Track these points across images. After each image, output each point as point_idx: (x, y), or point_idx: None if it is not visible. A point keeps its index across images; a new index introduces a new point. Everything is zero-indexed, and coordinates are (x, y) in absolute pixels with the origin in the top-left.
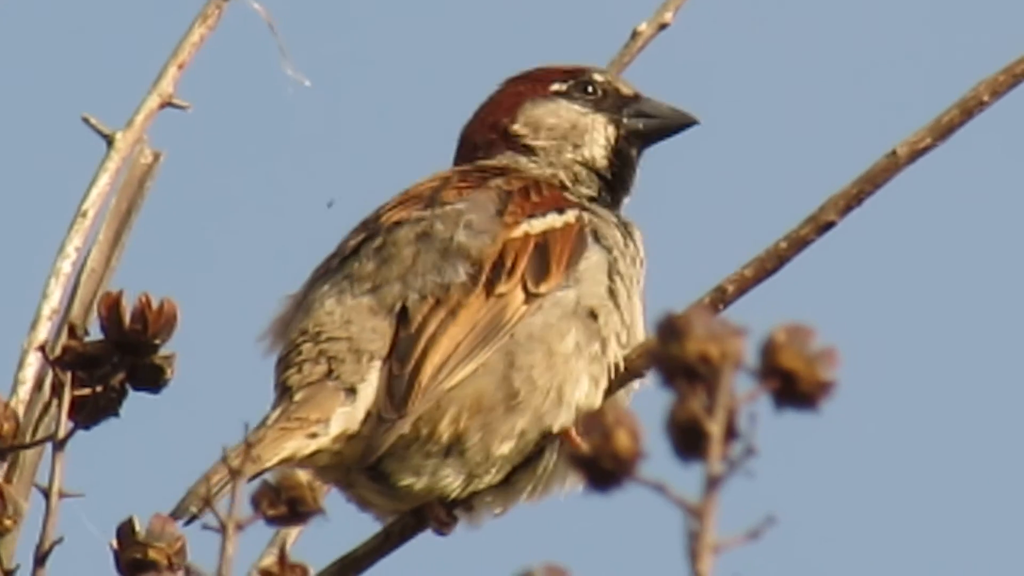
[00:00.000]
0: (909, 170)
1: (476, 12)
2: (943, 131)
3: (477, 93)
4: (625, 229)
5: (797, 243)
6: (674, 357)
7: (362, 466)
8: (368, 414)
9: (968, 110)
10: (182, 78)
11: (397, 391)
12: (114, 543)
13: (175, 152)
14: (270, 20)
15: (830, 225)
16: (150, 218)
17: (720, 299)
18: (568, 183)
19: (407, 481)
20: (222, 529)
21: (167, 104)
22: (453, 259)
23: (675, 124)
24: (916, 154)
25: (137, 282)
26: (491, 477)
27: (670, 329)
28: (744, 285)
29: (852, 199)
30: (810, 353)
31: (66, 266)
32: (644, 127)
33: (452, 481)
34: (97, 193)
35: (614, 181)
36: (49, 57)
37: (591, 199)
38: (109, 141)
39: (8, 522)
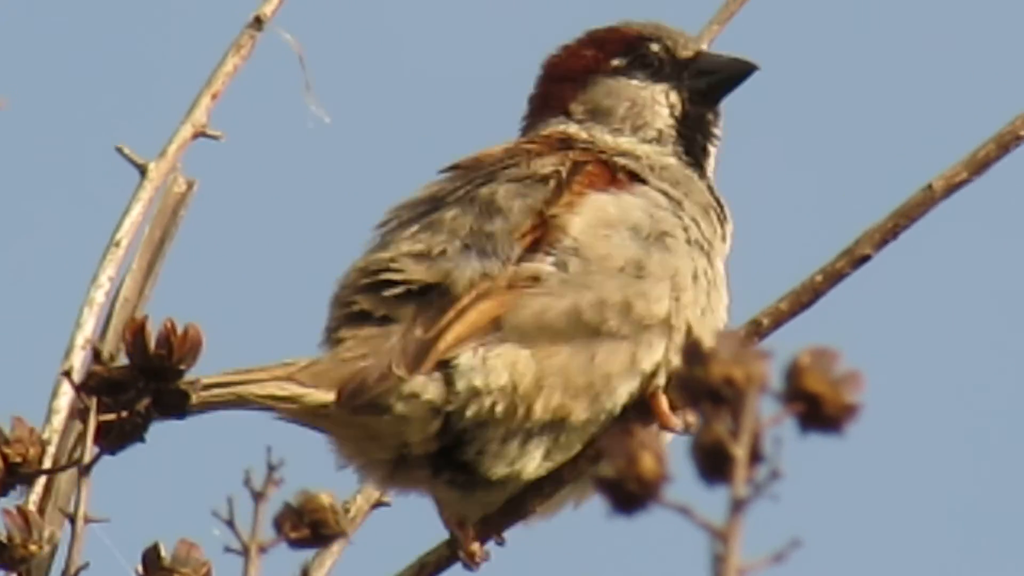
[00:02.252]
0: (944, 204)
1: (505, 43)
2: (979, 165)
3: (506, 122)
4: (711, 193)
5: (832, 276)
6: (699, 380)
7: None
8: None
9: (1004, 144)
10: (215, 107)
11: (415, 352)
12: (139, 569)
13: (208, 181)
14: (300, 52)
15: (865, 259)
16: (184, 247)
17: (755, 332)
18: (638, 154)
19: (490, 466)
20: (245, 552)
21: (200, 134)
22: (501, 239)
23: (736, 75)
24: (952, 188)
25: (170, 311)
26: (568, 454)
27: (696, 353)
28: (779, 318)
29: (887, 233)
30: (835, 376)
31: (99, 296)
32: (706, 86)
33: (534, 462)
34: (130, 223)
35: (690, 145)
36: (82, 87)
37: (664, 168)
38: (142, 171)
39: (33, 547)
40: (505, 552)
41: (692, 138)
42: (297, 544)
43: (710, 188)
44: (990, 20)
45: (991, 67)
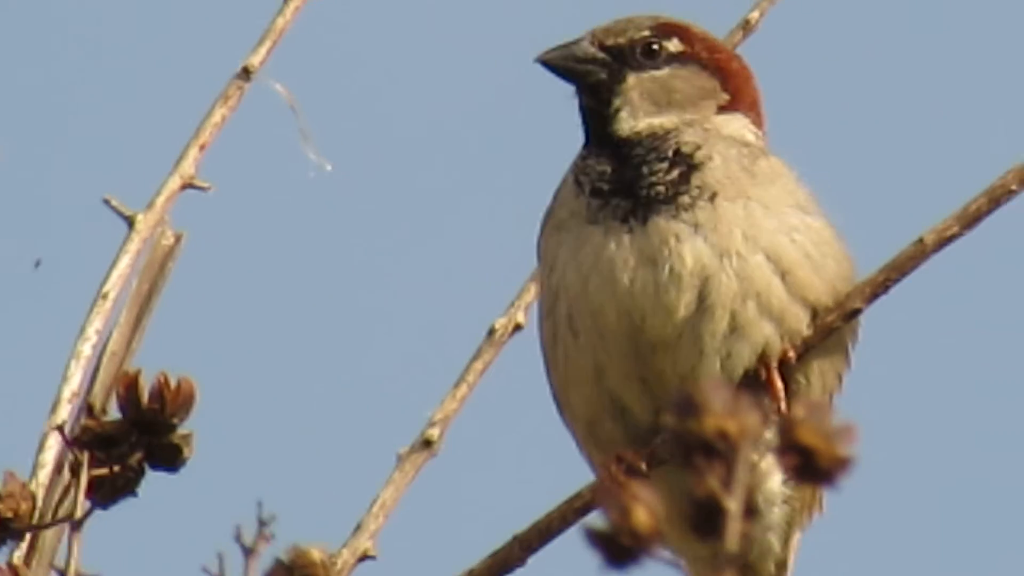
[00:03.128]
0: (936, 258)
1: (493, 87)
2: (970, 219)
3: (500, 176)
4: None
5: (823, 330)
6: (692, 434)
7: None
8: None
9: (996, 198)
10: (203, 159)
11: None
12: None
13: (197, 233)
14: (292, 102)
15: (856, 312)
16: (172, 300)
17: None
18: None
19: None
20: None
21: (188, 185)
22: None
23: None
24: (943, 242)
25: (158, 365)
26: None
27: (688, 405)
28: None
29: (878, 286)
30: (828, 429)
31: (86, 349)
32: None
33: None
34: (118, 275)
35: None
36: (69, 139)
37: None
38: (130, 223)
39: None
40: None
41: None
42: None
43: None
44: (980, 75)
45: (982, 121)
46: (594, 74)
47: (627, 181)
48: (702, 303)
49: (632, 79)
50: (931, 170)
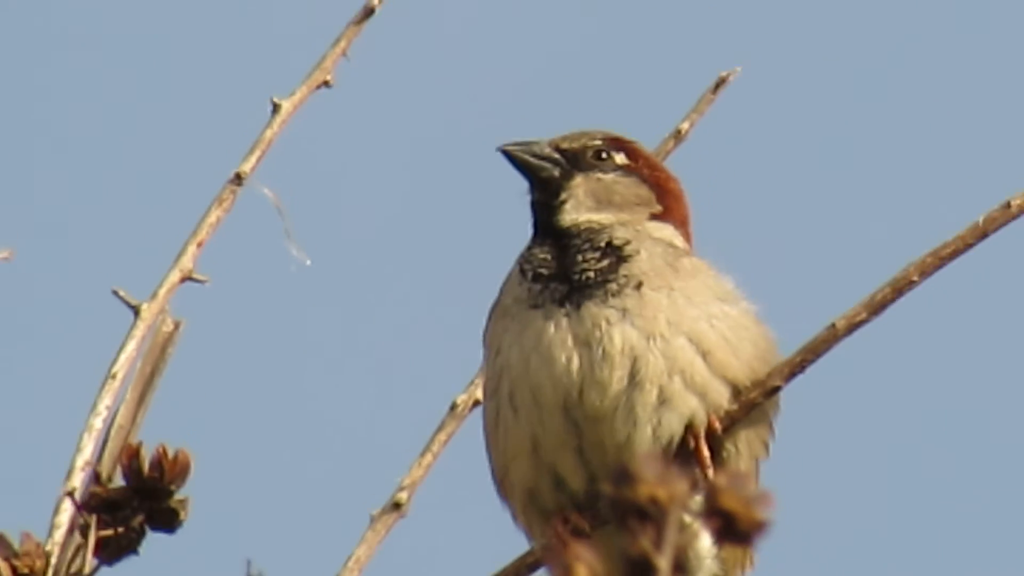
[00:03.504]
0: (847, 341)
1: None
2: (876, 307)
3: (459, 270)
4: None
5: (746, 405)
6: (627, 499)
7: None
8: None
9: (899, 288)
10: (200, 254)
11: None
12: None
13: (194, 321)
14: (279, 204)
15: (776, 389)
16: (172, 380)
17: None
18: None
19: None
20: None
21: (187, 278)
22: None
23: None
24: (853, 327)
25: (160, 436)
26: None
27: (623, 474)
28: None
29: (796, 366)
30: (748, 496)
31: (97, 423)
32: None
33: None
34: (125, 357)
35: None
36: (83, 240)
37: None
38: (136, 311)
39: None
40: None
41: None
42: None
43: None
44: (879, 169)
45: (885, 221)
46: (547, 170)
47: (564, 267)
48: (633, 379)
49: (579, 178)
50: (842, 265)
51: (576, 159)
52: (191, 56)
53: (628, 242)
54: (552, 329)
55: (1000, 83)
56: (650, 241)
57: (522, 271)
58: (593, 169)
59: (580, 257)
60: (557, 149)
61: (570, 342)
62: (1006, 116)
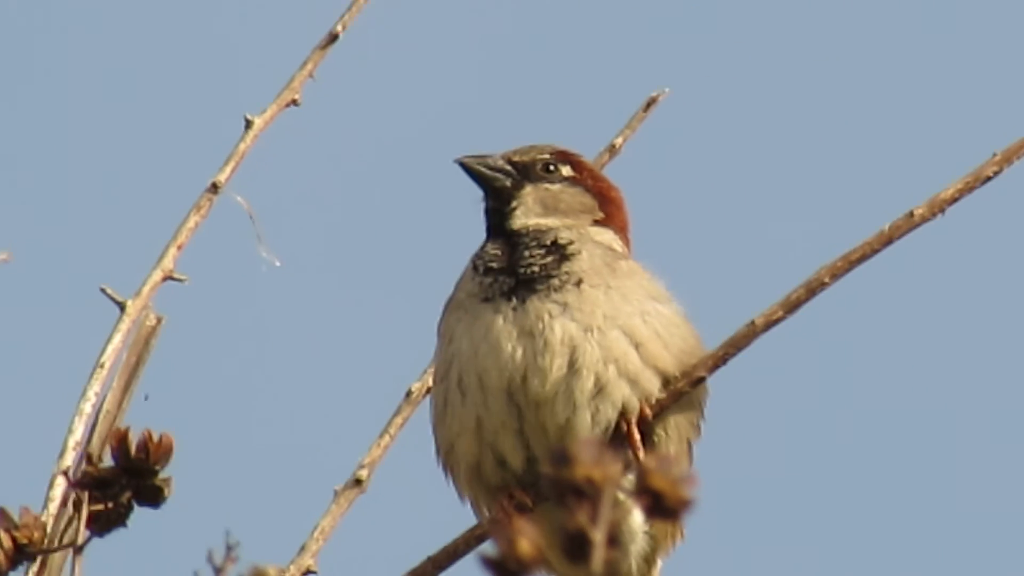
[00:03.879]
0: (765, 337)
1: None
2: (792, 306)
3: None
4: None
5: (674, 394)
6: (565, 479)
7: None
8: None
9: (812, 289)
10: (180, 256)
11: None
12: None
13: (175, 317)
14: (251, 211)
15: (701, 379)
16: (155, 370)
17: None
18: None
19: None
20: None
21: (168, 277)
22: None
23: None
24: (770, 324)
25: (143, 421)
26: None
27: (561, 457)
28: None
29: (719, 359)
30: (674, 476)
31: (87, 408)
32: None
33: None
34: (112, 349)
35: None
36: (75, 243)
37: None
38: (122, 307)
39: None
40: None
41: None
42: None
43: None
44: (793, 181)
45: (798, 227)
46: (500, 180)
47: (512, 262)
48: (572, 366)
49: (529, 188)
50: (761, 268)
51: (526, 170)
52: (174, 79)
53: (571, 242)
54: (500, 321)
55: (904, 96)
56: (592, 243)
57: (474, 267)
58: (542, 180)
59: (527, 253)
60: (509, 161)
61: (515, 333)
62: (911, 130)
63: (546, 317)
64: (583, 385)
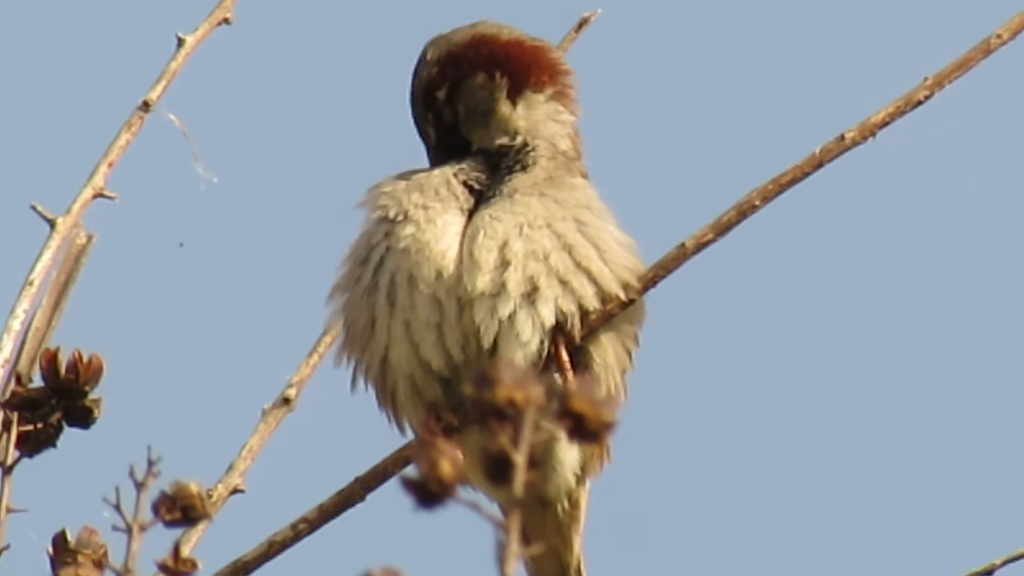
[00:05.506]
0: (695, 259)
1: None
2: (722, 228)
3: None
4: None
5: (605, 316)
6: (487, 401)
7: None
8: None
9: (743, 212)
10: (111, 174)
11: None
12: (50, 550)
13: (105, 234)
14: (184, 128)
15: (631, 302)
16: (84, 288)
17: None
18: None
19: None
20: (129, 531)
21: (99, 195)
22: None
23: None
24: (701, 246)
25: (73, 339)
26: None
27: (484, 379)
28: None
29: (648, 281)
30: (596, 399)
31: (16, 325)
32: None
33: None
34: (42, 266)
35: None
36: (3, 158)
37: None
38: (52, 224)
39: None
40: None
41: None
42: (171, 524)
43: None
44: (724, 105)
45: (732, 145)
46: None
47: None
48: (503, 263)
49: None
50: (692, 190)
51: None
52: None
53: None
54: (440, 224)
55: (834, 16)
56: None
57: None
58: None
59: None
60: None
61: (452, 237)
62: (842, 51)
63: (487, 218)
64: (518, 277)
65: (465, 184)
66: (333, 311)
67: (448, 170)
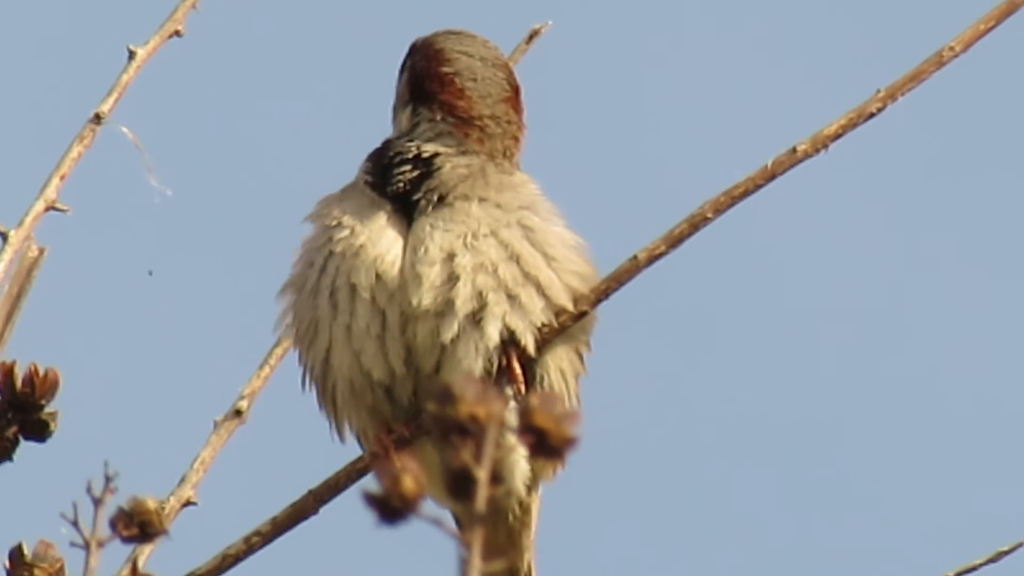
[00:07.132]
0: (647, 271)
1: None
2: (674, 240)
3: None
4: None
5: (558, 329)
6: (449, 417)
7: None
8: None
9: (695, 224)
10: (63, 186)
11: None
12: (6, 564)
13: (57, 248)
14: (137, 141)
15: (583, 314)
16: (36, 302)
17: None
18: None
19: None
20: (86, 546)
21: (51, 208)
22: None
23: None
24: (653, 259)
25: (25, 353)
26: None
27: (446, 394)
28: None
29: (601, 293)
30: (558, 415)
31: None
32: None
33: None
34: None
35: None
36: None
37: None
38: (4, 237)
39: None
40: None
41: None
42: (129, 541)
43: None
44: (673, 118)
45: (683, 157)
46: None
47: (385, 179)
48: (450, 277)
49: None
50: (642, 202)
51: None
52: (56, 8)
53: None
54: (379, 229)
55: (788, 28)
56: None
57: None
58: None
59: (395, 171)
60: None
61: (396, 247)
62: (795, 63)
63: (428, 229)
64: (466, 293)
65: (389, 183)
66: (283, 309)
67: (366, 175)
